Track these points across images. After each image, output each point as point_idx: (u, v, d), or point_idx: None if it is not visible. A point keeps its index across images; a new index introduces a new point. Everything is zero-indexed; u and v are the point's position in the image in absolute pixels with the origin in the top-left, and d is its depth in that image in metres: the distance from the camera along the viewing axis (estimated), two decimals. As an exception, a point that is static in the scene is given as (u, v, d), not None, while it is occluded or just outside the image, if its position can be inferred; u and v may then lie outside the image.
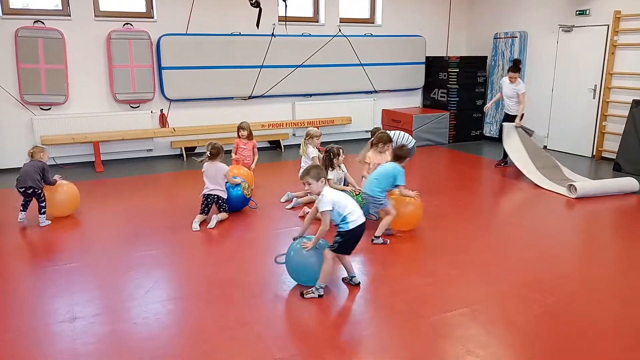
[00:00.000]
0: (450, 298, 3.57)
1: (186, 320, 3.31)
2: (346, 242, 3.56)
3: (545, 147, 8.64)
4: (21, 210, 5.18)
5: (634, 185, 6.11)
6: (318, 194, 3.58)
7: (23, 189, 5.04)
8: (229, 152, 6.34)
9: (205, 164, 5.18)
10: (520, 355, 2.92)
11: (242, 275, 3.95)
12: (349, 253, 3.65)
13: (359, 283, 3.75)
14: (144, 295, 3.59)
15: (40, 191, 5.08)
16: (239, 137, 6.40)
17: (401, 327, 3.20)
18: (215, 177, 5.14)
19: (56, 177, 5.31)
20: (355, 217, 3.54)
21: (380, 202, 4.56)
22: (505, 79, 7.36)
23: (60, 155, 7.58)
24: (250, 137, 6.42)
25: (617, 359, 2.88)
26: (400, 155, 4.69)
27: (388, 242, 4.53)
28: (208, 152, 5.12)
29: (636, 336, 3.10)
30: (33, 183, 5.01)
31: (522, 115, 7.13)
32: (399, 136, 6.03)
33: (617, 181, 6.24)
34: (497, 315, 3.35)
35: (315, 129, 5.73)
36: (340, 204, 3.53)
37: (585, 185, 5.99)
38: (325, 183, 3.59)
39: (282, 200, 5.75)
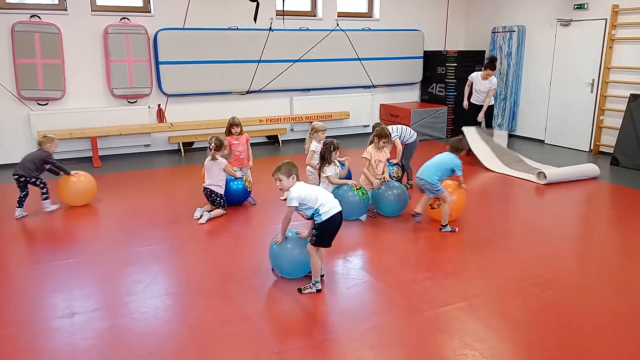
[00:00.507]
0: (447, 292, 3.59)
1: (185, 315, 3.32)
2: (322, 233, 3.53)
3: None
4: (17, 207, 5.18)
5: (595, 171, 6.55)
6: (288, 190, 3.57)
7: (15, 177, 5.11)
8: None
9: (207, 158, 5.20)
10: (518, 348, 2.94)
11: (241, 270, 3.96)
12: (328, 245, 3.61)
13: (322, 274, 3.72)
14: (142, 290, 3.60)
15: (33, 179, 5.11)
16: (231, 134, 5.72)
17: (399, 321, 3.22)
18: (212, 171, 5.14)
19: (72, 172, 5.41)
20: (327, 208, 3.51)
21: (437, 189, 4.72)
22: (478, 75, 7.67)
23: (57, 151, 7.43)
24: (242, 131, 5.92)
25: (614, 351, 2.90)
26: (457, 147, 4.85)
27: (457, 230, 4.72)
28: (212, 145, 5.13)
29: (633, 328, 3.12)
30: (24, 172, 5.06)
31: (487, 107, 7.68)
32: (402, 130, 5.97)
33: (580, 167, 6.67)
34: (494, 309, 3.37)
35: (321, 123, 5.65)
36: (309, 198, 3.51)
37: (552, 172, 6.35)
38: (295, 180, 3.57)
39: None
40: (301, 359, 2.84)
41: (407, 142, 5.95)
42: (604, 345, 2.96)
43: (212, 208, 5.20)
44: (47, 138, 5.39)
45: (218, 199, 5.17)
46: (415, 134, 6.06)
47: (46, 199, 5.18)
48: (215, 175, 5.14)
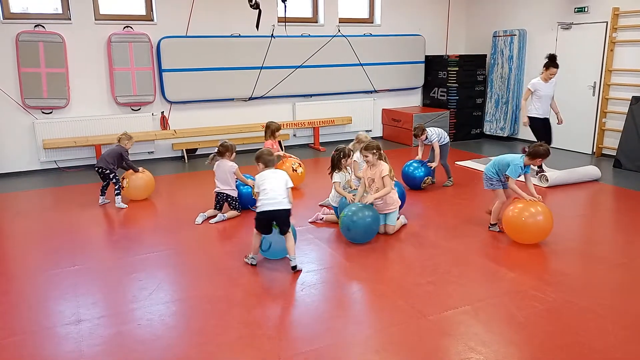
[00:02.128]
0: (451, 296, 3.59)
1: (190, 321, 3.34)
2: (256, 221, 4.03)
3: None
4: (100, 195, 5.82)
5: (596, 173, 6.52)
6: None
7: (96, 169, 5.68)
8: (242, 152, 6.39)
9: (216, 162, 5.29)
10: (522, 352, 2.95)
11: (246, 275, 3.97)
12: (261, 232, 4.03)
13: (295, 267, 3.99)
14: (147, 297, 3.62)
15: (109, 172, 5.62)
16: (274, 138, 6.43)
17: (404, 326, 3.23)
18: (223, 176, 5.21)
19: (140, 169, 5.89)
20: (260, 203, 3.97)
21: (492, 183, 4.71)
22: (539, 80, 6.71)
23: (62, 159, 7.61)
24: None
25: (618, 354, 2.90)
26: (531, 151, 4.48)
27: (503, 231, 4.65)
28: (217, 150, 5.26)
29: (637, 330, 3.12)
30: (103, 164, 5.61)
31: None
32: (440, 133, 6.29)
33: (581, 169, 6.59)
34: (498, 313, 3.37)
35: (365, 134, 5.41)
36: (260, 186, 4.02)
37: (554, 175, 6.34)
38: (262, 167, 4.14)
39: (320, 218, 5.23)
40: (306, 363, 2.86)
41: (442, 144, 6.27)
42: (608, 347, 2.96)
43: (216, 213, 5.23)
44: (125, 135, 5.87)
45: (233, 202, 5.26)
46: (448, 136, 6.45)
47: (118, 194, 5.67)
48: (226, 178, 5.21)
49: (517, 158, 4.55)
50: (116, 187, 5.70)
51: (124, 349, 3.02)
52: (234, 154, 5.34)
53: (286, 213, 3.99)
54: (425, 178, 6.14)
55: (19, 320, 3.36)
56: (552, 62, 6.62)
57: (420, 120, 9.14)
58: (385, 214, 4.66)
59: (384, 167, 4.58)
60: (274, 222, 3.97)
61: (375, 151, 4.58)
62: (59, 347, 3.04)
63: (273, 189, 3.98)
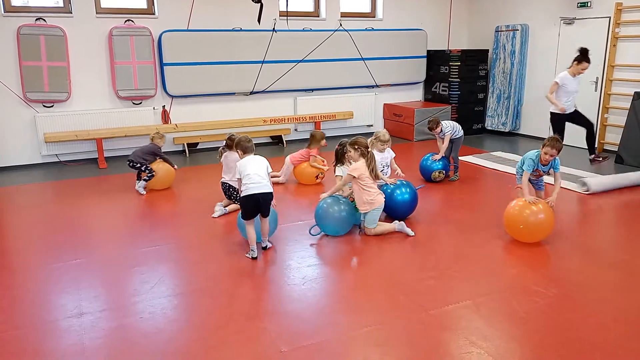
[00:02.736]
0: (453, 291, 3.60)
1: (192, 314, 3.35)
2: (242, 207, 4.14)
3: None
4: (137, 180, 6.13)
5: None
6: None
7: (128, 163, 6.03)
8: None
9: (224, 154, 5.38)
10: (523, 346, 2.95)
11: (247, 269, 3.98)
12: (246, 218, 4.11)
13: (266, 247, 4.30)
14: (149, 290, 3.63)
15: (140, 165, 5.95)
16: (318, 147, 6.36)
17: (405, 320, 3.24)
18: (228, 166, 5.27)
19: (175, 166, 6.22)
20: (245, 187, 4.07)
21: (518, 178, 4.80)
22: (566, 74, 6.64)
23: (63, 152, 7.61)
24: None
25: (618, 349, 2.91)
26: (545, 142, 4.47)
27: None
28: (224, 143, 5.35)
29: (637, 325, 3.13)
30: (134, 158, 5.98)
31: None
32: (454, 126, 6.33)
33: (629, 175, 6.14)
34: (499, 308, 3.38)
35: (384, 131, 5.35)
36: (243, 172, 4.13)
37: (597, 181, 5.96)
38: (242, 155, 4.27)
39: None
40: (308, 357, 2.87)
41: (456, 137, 6.31)
42: (608, 343, 2.97)
43: (228, 203, 5.32)
44: (158, 134, 6.18)
45: (235, 193, 5.23)
46: (462, 130, 6.46)
47: (143, 180, 5.99)
48: (230, 170, 5.21)
49: (532, 152, 4.63)
50: (148, 175, 6.00)
51: (125, 342, 3.03)
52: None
53: (271, 196, 4.17)
54: (435, 172, 6.22)
55: (22, 313, 3.38)
56: (584, 56, 6.51)
57: (421, 115, 9.13)
58: (363, 213, 4.61)
59: (354, 166, 4.53)
60: (260, 206, 4.11)
61: (357, 147, 4.56)
62: (61, 341, 3.05)
63: (257, 173, 4.11)
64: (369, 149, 4.62)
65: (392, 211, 4.89)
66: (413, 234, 4.61)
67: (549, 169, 4.64)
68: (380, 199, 4.55)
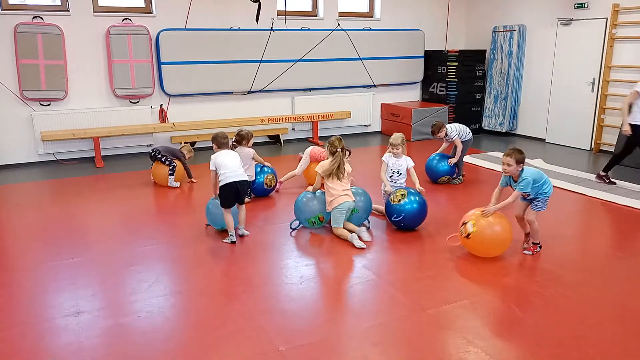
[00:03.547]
0: (450, 290, 3.61)
1: (189, 313, 3.35)
2: (221, 196, 4.39)
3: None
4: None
5: None
6: None
7: (151, 151, 6.24)
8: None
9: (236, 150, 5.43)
10: (520, 345, 2.96)
11: (244, 268, 3.98)
12: (225, 207, 4.39)
13: (242, 234, 4.56)
14: (147, 289, 3.63)
15: (161, 155, 6.12)
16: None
17: (402, 319, 3.24)
18: (243, 161, 5.29)
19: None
20: (223, 177, 4.35)
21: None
22: None
23: (60, 151, 7.59)
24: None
25: (614, 347, 2.92)
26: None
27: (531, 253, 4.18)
28: (233, 139, 5.42)
29: (633, 323, 3.15)
30: (160, 149, 6.21)
31: None
32: (460, 129, 6.24)
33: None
34: (496, 307, 3.40)
35: (397, 135, 4.98)
36: (219, 164, 4.40)
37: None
38: (216, 148, 4.57)
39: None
40: (305, 356, 2.87)
41: (465, 140, 6.20)
42: (605, 342, 2.98)
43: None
44: (187, 147, 6.60)
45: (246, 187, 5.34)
46: (470, 132, 6.37)
47: (171, 174, 6.15)
48: (245, 164, 5.24)
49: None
50: (170, 167, 6.11)
51: (123, 340, 3.03)
52: (251, 140, 5.58)
53: (247, 184, 4.57)
54: (443, 177, 6.19)
55: (19, 312, 3.37)
56: None
57: (419, 115, 9.15)
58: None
59: (320, 163, 4.68)
60: (238, 194, 4.41)
61: (329, 147, 4.61)
62: (58, 339, 3.04)
63: (235, 164, 4.44)
64: (342, 150, 4.56)
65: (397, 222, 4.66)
66: (363, 246, 4.31)
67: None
68: (341, 200, 4.44)
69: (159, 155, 6.13)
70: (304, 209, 4.71)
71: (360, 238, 4.41)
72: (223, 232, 4.69)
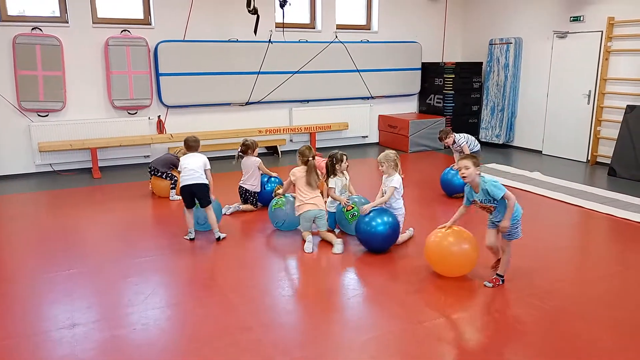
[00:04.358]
0: (446, 303, 3.60)
1: (186, 326, 3.33)
2: (182, 196, 4.74)
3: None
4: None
5: None
6: None
7: (149, 170, 6.28)
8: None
9: (242, 160, 5.62)
10: (519, 358, 2.95)
11: (241, 280, 3.96)
12: (186, 207, 4.73)
13: (219, 238, 4.73)
14: (143, 301, 3.61)
15: (160, 173, 6.15)
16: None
17: (399, 332, 3.23)
18: (247, 170, 5.53)
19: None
20: (181, 179, 4.68)
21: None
22: None
23: (57, 162, 7.58)
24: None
25: (613, 359, 2.92)
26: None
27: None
28: (239, 149, 5.62)
29: (631, 337, 3.14)
30: (156, 166, 6.19)
31: None
32: (469, 138, 6.24)
33: None
34: (494, 320, 3.38)
35: (390, 152, 4.64)
36: (181, 167, 4.73)
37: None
38: (185, 152, 5.00)
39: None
40: (302, 369, 2.85)
41: (472, 151, 6.14)
42: (605, 355, 2.97)
43: (241, 206, 5.61)
44: (183, 150, 6.22)
45: (251, 197, 5.58)
46: (478, 143, 6.37)
47: (173, 188, 6.12)
48: (249, 173, 5.52)
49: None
50: (172, 182, 6.14)
51: (118, 353, 3.00)
52: (257, 149, 5.65)
53: (205, 187, 4.68)
54: (459, 193, 5.93)
55: (14, 323, 3.34)
56: None
57: (416, 126, 9.18)
58: None
59: (293, 170, 4.85)
60: (196, 197, 4.67)
61: (300, 157, 4.80)
62: (53, 352, 3.02)
63: (193, 168, 4.65)
64: (312, 160, 4.75)
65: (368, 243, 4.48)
66: (309, 251, 4.47)
67: (486, 199, 3.70)
68: (306, 207, 4.61)
69: (158, 173, 6.15)
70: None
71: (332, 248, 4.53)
72: (221, 242, 4.68)
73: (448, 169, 6.22)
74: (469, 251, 3.84)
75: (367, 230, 4.36)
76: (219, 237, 4.72)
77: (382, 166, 4.57)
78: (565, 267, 4.27)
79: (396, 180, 4.52)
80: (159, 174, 6.15)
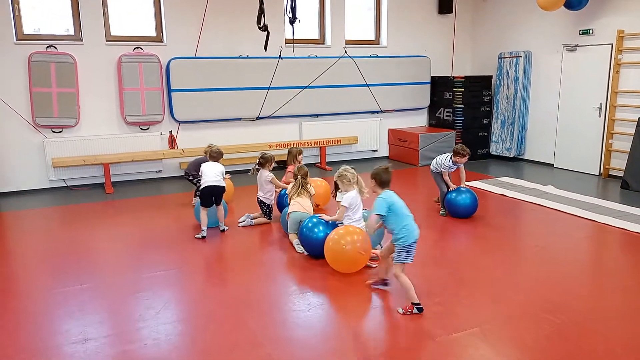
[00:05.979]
0: (459, 318, 3.57)
1: (197, 341, 3.33)
2: (201, 196, 5.37)
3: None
4: (194, 196, 6.45)
5: None
6: None
7: (185, 174, 6.61)
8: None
9: (258, 173, 5.84)
10: (531, 375, 2.91)
11: (252, 295, 3.97)
12: (203, 205, 5.37)
13: (223, 230, 5.42)
14: (154, 316, 3.62)
15: (191, 177, 6.39)
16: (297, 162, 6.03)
17: (412, 347, 3.20)
18: (260, 183, 5.76)
19: (227, 176, 5.84)
20: (204, 181, 5.35)
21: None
22: None
23: (71, 177, 7.67)
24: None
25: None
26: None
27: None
28: (257, 162, 5.84)
29: (648, 355, 3.09)
30: (188, 170, 6.49)
31: None
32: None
33: None
34: (506, 335, 3.35)
35: (347, 170, 4.58)
36: (203, 172, 5.39)
37: None
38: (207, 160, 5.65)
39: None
40: (313, 385, 2.83)
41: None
42: (619, 371, 2.93)
43: (259, 215, 5.76)
44: (210, 146, 6.11)
45: (265, 208, 5.77)
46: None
47: (196, 196, 6.25)
48: (262, 187, 5.72)
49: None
50: (196, 187, 6.26)
51: (130, 368, 3.01)
52: (273, 164, 5.81)
53: (222, 189, 5.41)
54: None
55: (26, 338, 3.37)
56: None
57: (426, 140, 9.18)
58: None
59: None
60: (213, 197, 5.31)
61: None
62: (65, 366, 3.03)
63: (215, 172, 5.37)
64: (300, 178, 5.25)
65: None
66: (302, 252, 4.79)
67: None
68: (292, 208, 5.06)
69: (190, 178, 6.41)
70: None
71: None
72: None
73: (450, 192, 5.95)
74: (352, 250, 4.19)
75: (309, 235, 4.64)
76: (223, 229, 5.44)
77: (340, 182, 4.54)
78: (578, 281, 4.22)
79: (346, 197, 4.43)
80: (192, 178, 6.36)
